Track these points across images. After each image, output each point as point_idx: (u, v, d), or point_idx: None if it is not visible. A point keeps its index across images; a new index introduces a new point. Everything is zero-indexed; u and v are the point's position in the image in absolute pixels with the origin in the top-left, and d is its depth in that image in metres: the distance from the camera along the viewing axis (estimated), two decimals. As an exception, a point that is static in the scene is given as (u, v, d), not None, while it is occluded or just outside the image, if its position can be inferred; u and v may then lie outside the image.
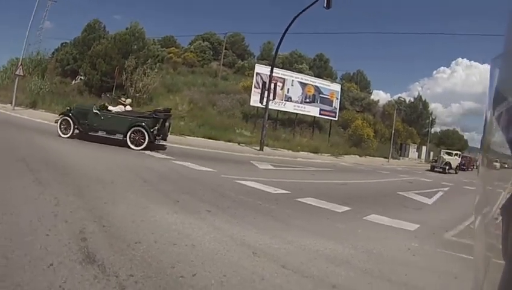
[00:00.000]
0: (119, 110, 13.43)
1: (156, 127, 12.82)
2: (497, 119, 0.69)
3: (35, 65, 31.31)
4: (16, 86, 21.82)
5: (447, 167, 30.05)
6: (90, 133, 12.99)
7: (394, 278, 4.28)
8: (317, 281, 3.90)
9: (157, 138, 12.89)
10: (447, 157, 31.98)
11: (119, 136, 12.79)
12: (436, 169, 29.68)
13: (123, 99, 14.52)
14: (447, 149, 35.78)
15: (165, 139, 13.67)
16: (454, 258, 5.43)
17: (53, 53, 40.28)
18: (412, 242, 5.99)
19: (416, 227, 7.07)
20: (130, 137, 12.59)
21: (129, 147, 12.56)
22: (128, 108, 13.97)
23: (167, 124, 13.58)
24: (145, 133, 12.48)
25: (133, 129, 12.56)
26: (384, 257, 5.09)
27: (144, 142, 12.51)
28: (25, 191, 5.70)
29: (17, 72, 22.30)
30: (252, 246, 4.72)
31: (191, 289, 3.32)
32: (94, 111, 12.91)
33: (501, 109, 0.66)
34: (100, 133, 12.90)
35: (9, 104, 21.06)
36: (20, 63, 23.14)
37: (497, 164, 0.70)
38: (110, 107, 13.55)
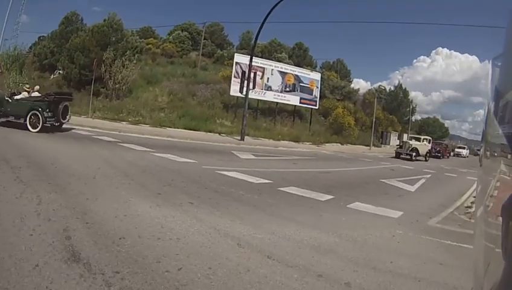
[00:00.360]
0: (23, 97, 13.89)
1: (49, 110, 13.16)
2: (496, 116, 0.71)
3: (12, 61, 30.42)
4: None
5: (414, 154, 26.71)
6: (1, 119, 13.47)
7: (380, 266, 4.30)
8: (303, 271, 3.90)
9: (49, 120, 13.19)
10: (413, 143, 28.14)
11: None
12: (402, 156, 26.50)
13: (27, 86, 15.00)
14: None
15: (60, 122, 13.79)
16: (439, 245, 5.49)
17: (30, 47, 39.05)
18: (396, 229, 6.03)
19: (400, 214, 7.13)
20: (29, 120, 13.05)
21: (28, 130, 12.88)
22: (36, 94, 14.27)
23: (61, 106, 13.66)
24: (39, 116, 12.94)
25: (31, 113, 13.03)
26: (369, 245, 5.12)
27: (39, 126, 12.97)
28: (6, 191, 5.54)
29: None
30: (236, 237, 4.70)
31: (177, 283, 3.29)
32: (6, 98, 13.58)
33: (501, 106, 0.67)
34: (10, 118, 13.37)
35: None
36: None
37: (496, 157, 0.72)
38: (19, 95, 14.05)
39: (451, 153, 44.75)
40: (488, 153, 0.78)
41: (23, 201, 5.16)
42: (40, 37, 42.12)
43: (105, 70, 24.75)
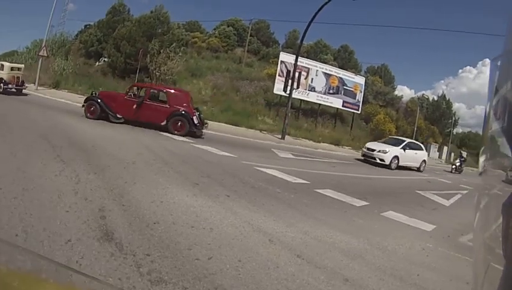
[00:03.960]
0: None
1: None
2: (496, 119, 0.69)
3: (58, 46, 31.48)
4: (39, 67, 22.09)
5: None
6: None
7: (406, 277, 4.30)
8: (330, 273, 3.95)
9: None
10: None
11: None
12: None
13: None
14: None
15: None
16: (468, 263, 5.38)
17: (76, 35, 40.29)
18: (427, 243, 5.97)
19: (432, 228, 7.03)
20: None
21: None
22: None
23: None
24: None
25: None
26: (398, 255, 5.10)
27: None
28: (46, 168, 5.84)
29: (40, 53, 22.51)
30: (269, 233, 4.79)
31: (205, 271, 3.39)
32: None
33: (501, 108, 0.66)
34: None
35: (33, 84, 21.31)
36: (44, 44, 23.36)
37: (496, 163, 0.71)
38: None
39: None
40: (487, 154, 0.77)
41: (62, 179, 5.42)
42: (86, 25, 43.20)
43: (150, 61, 25.23)
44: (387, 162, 17.47)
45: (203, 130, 14.12)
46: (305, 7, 71.77)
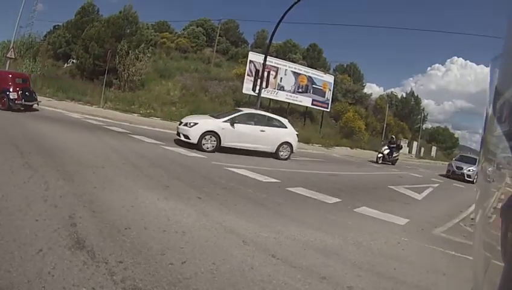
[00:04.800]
0: None
1: None
2: (497, 119, 0.69)
3: (26, 48, 30.56)
4: (7, 69, 21.18)
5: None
6: None
7: (383, 272, 4.31)
8: (307, 272, 3.91)
9: None
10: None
11: None
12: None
13: None
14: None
15: None
16: (443, 255, 5.47)
17: (45, 36, 39.40)
18: (401, 236, 6.04)
19: (406, 222, 7.14)
20: None
21: None
22: None
23: None
24: None
25: None
26: (374, 250, 5.13)
27: None
28: (14, 175, 5.61)
29: (8, 55, 21.84)
30: (242, 235, 4.73)
31: (180, 276, 3.32)
32: None
33: (501, 107, 0.66)
34: None
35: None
36: (11, 45, 22.65)
37: (496, 163, 0.71)
38: None
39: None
40: (487, 155, 0.78)
41: (31, 186, 5.21)
42: (55, 26, 42.45)
43: (119, 62, 24.87)
44: (193, 141, 11.88)
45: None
46: (275, 7, 72.37)
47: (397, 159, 22.82)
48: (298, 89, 30.18)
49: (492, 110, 0.71)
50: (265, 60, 21.68)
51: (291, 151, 14.00)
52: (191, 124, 12.15)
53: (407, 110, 47.00)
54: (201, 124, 12.17)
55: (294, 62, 34.13)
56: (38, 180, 5.57)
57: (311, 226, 5.62)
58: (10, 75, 14.63)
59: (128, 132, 13.31)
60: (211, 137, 12.06)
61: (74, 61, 29.69)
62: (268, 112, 21.05)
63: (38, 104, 15.22)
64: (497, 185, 0.70)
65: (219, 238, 4.48)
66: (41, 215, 4.11)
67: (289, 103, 30.00)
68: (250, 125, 13.06)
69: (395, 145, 22.53)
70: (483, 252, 0.67)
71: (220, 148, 12.09)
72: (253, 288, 3.37)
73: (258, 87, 20.86)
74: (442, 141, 51.90)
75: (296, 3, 19.61)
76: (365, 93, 44.41)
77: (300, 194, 7.86)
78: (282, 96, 29.27)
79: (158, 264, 3.47)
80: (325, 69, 42.28)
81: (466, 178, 19.96)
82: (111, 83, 24.57)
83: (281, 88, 29.08)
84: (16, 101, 13.76)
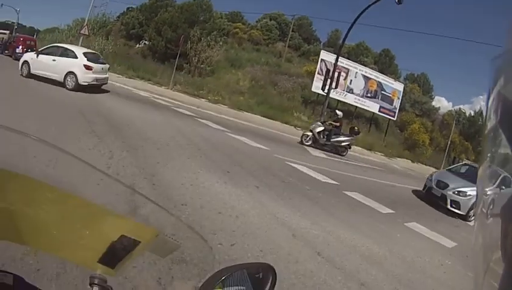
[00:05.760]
0: None
1: None
2: (497, 120, 0.64)
3: (99, 26, 31.90)
4: (80, 44, 22.12)
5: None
6: None
7: (420, 290, 4.34)
8: (348, 275, 4.05)
9: None
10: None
11: None
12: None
13: None
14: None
15: None
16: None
17: (118, 17, 40.64)
18: (446, 259, 5.97)
19: (454, 245, 6.98)
20: None
21: None
22: None
23: None
24: None
25: None
26: (416, 267, 5.14)
27: None
28: (79, 142, 6.07)
29: (81, 31, 22.97)
30: (293, 228, 4.92)
31: (227, 257, 3.55)
32: None
33: (501, 109, 0.63)
34: None
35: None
36: (85, 23, 23.86)
37: (496, 164, 0.67)
38: None
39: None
40: (487, 156, 0.87)
41: (95, 153, 5.65)
42: (129, 7, 43.63)
43: (190, 48, 25.52)
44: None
45: None
46: (349, 7, 70.45)
47: (347, 147, 16.09)
48: (367, 93, 29.57)
49: (493, 110, 0.66)
50: (336, 60, 21.58)
51: (77, 82, 13.01)
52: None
53: (474, 130, 44.12)
54: (25, 56, 14.66)
55: (365, 66, 33.38)
56: (103, 148, 6.01)
57: (360, 232, 5.70)
58: (21, 38, 18.59)
59: (195, 115, 13.75)
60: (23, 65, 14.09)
61: (146, 42, 30.64)
62: (335, 112, 19.82)
63: None
64: (496, 186, 0.68)
65: (270, 228, 4.69)
66: (103, 180, 4.47)
67: (356, 106, 29.47)
68: (48, 56, 13.81)
69: (338, 125, 15.88)
70: (483, 252, 0.66)
71: (30, 75, 13.61)
72: (294, 281, 3.53)
73: (327, 87, 20.79)
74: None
75: (370, 5, 19.30)
76: (433, 106, 42.27)
77: (356, 199, 7.89)
78: (350, 98, 28.80)
79: (208, 242, 3.74)
80: (395, 76, 40.82)
81: (449, 206, 10.35)
82: (181, 67, 25.18)
83: (350, 90, 28.63)
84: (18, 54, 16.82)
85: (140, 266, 2.55)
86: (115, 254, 0.97)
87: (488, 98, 0.66)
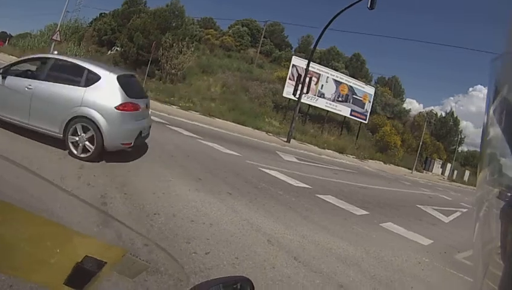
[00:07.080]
0: None
1: None
2: (497, 121, 0.68)
3: (72, 32, 31.71)
4: (51, 50, 21.77)
5: None
6: None
7: (400, 289, 4.34)
8: (326, 278, 3.99)
9: None
10: None
11: None
12: None
13: None
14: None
15: None
16: (462, 281, 5.40)
17: (91, 22, 40.62)
18: (423, 256, 6.02)
19: (430, 242, 7.07)
20: None
21: None
22: None
23: None
24: None
25: None
26: (394, 266, 5.15)
27: None
28: (50, 153, 5.85)
29: (54, 37, 22.54)
30: (268, 234, 4.84)
31: (202, 265, 3.45)
32: None
33: (501, 110, 0.65)
34: None
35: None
36: (58, 28, 23.53)
37: (496, 167, 0.70)
38: None
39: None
40: (487, 158, 0.76)
41: (66, 163, 5.49)
42: (101, 13, 43.51)
43: (162, 54, 25.42)
44: None
45: None
46: (321, 13, 71.70)
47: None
48: (338, 97, 29.95)
49: (493, 111, 0.69)
50: (308, 65, 21.72)
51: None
52: None
53: (445, 130, 45.38)
54: None
55: (336, 70, 33.85)
56: (73, 159, 5.80)
57: (336, 235, 5.68)
58: None
59: (166, 122, 13.53)
60: None
61: (118, 49, 30.42)
62: (306, 117, 19.68)
63: None
64: (494, 188, 0.70)
65: (245, 234, 4.61)
66: (74, 192, 4.30)
67: (328, 110, 29.80)
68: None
69: None
70: (483, 252, 0.67)
71: None
72: (272, 287, 3.47)
73: (298, 92, 20.89)
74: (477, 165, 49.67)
75: (343, 10, 19.59)
76: (404, 108, 43.35)
77: (329, 202, 7.90)
78: (321, 103, 29.11)
79: (182, 251, 3.61)
80: (366, 80, 41.62)
81: None
82: (153, 74, 25.12)
83: (321, 95, 28.93)
84: None
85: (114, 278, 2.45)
86: (81, 276, 0.90)
87: (488, 99, 0.69)
